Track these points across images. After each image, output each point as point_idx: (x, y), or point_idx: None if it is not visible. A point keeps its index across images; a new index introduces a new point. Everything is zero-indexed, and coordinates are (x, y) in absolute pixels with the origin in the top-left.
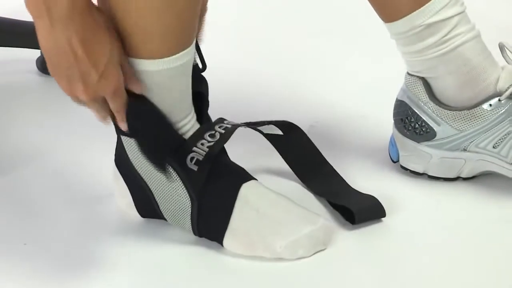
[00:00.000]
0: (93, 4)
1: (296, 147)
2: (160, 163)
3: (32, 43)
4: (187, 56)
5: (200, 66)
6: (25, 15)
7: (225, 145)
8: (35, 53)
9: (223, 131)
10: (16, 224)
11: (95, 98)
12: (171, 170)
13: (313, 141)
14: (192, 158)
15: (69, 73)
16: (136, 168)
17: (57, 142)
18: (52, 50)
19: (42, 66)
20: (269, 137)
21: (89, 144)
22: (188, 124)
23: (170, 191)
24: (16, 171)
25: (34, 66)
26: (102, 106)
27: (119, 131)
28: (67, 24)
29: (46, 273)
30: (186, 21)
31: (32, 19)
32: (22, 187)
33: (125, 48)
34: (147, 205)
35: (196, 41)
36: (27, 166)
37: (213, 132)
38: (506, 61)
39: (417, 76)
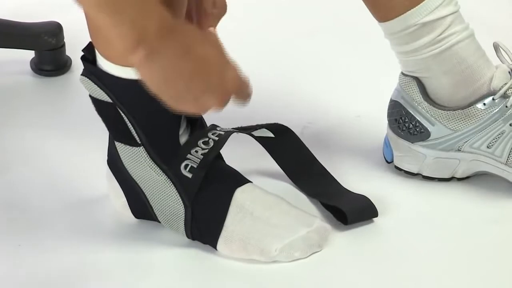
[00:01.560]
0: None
1: (287, 149)
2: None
3: (26, 44)
4: None
5: None
6: (19, 16)
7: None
8: (29, 54)
9: (216, 138)
10: (10, 225)
11: (226, 100)
12: (165, 177)
13: (307, 142)
14: (186, 166)
15: (189, 95)
16: (130, 173)
17: (51, 143)
18: (161, 78)
19: (36, 67)
20: (261, 140)
21: (84, 144)
22: (180, 130)
23: (164, 196)
24: (9, 172)
25: (28, 67)
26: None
27: (116, 138)
28: (164, 45)
29: (40, 274)
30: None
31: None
32: (16, 188)
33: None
34: (141, 207)
35: None
36: (21, 167)
37: (207, 139)
38: (501, 61)
39: (411, 76)
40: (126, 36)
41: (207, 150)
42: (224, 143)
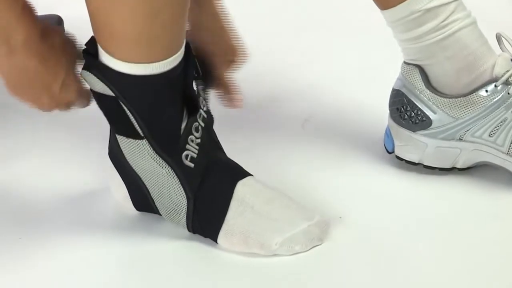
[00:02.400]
0: (48, 29)
1: None
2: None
3: None
4: (172, 63)
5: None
6: None
7: (221, 141)
8: None
9: (203, 124)
10: (11, 218)
11: (59, 106)
12: (168, 169)
13: (308, 136)
14: (187, 156)
15: (31, 90)
16: (132, 166)
17: (51, 135)
18: (12, 72)
19: None
20: None
21: (84, 137)
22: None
23: (166, 188)
24: (10, 166)
25: None
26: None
27: (117, 132)
28: (25, 51)
29: (41, 267)
30: (171, 30)
31: None
32: (16, 182)
33: (111, 51)
34: (142, 200)
35: (190, 49)
36: (22, 160)
37: (197, 124)
38: (503, 51)
39: (414, 64)
40: None
41: (199, 140)
42: (211, 128)
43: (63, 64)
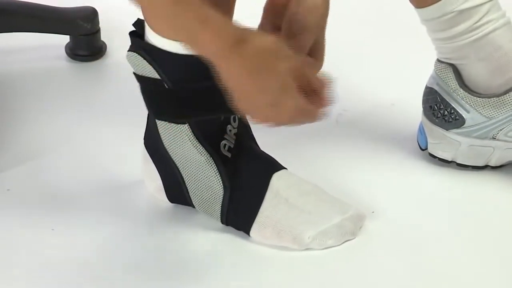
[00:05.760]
0: (249, 35)
1: None
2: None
3: (61, 29)
4: None
5: None
6: (54, 1)
7: (254, 135)
8: (64, 39)
9: (239, 114)
10: (44, 209)
11: (282, 124)
12: (207, 156)
13: (341, 129)
14: (224, 145)
15: (256, 105)
16: (170, 153)
17: (85, 128)
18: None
19: (71, 52)
20: None
21: (118, 129)
22: None
23: (203, 178)
24: (45, 156)
25: (63, 52)
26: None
27: (158, 117)
28: (225, 63)
29: (73, 259)
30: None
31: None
32: (50, 173)
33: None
34: (176, 191)
35: None
36: (55, 152)
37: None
38: None
39: (447, 63)
40: (189, 47)
41: (236, 130)
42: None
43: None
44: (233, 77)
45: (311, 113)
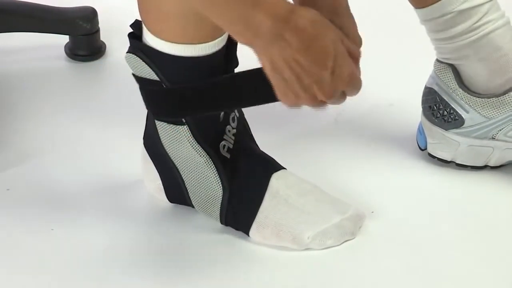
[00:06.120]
0: (297, 8)
1: None
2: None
3: (61, 29)
4: (217, 46)
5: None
6: (54, 1)
7: (253, 135)
8: (64, 39)
9: (238, 114)
10: (44, 209)
11: (334, 95)
12: (206, 158)
13: (340, 129)
14: (223, 146)
15: (300, 85)
16: (169, 154)
17: (84, 127)
18: (273, 71)
19: (71, 52)
20: None
21: (117, 129)
22: None
23: (202, 178)
24: (45, 156)
25: (62, 52)
26: (340, 96)
27: (158, 117)
28: (279, 42)
29: (72, 259)
30: None
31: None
32: (48, 173)
33: (157, 31)
34: (176, 191)
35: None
36: (55, 152)
37: (233, 114)
38: None
39: (447, 63)
40: (241, 34)
41: (235, 130)
42: (245, 119)
43: (330, 48)
44: (289, 55)
45: (359, 81)
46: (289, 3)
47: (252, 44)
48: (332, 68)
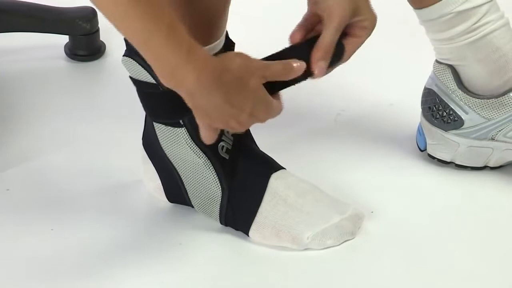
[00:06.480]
0: (226, 56)
1: None
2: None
3: (61, 29)
4: (212, 51)
5: None
6: (53, 1)
7: (253, 135)
8: (63, 39)
9: None
10: (44, 209)
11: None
12: (205, 159)
13: (340, 129)
14: (222, 147)
15: (221, 120)
16: (168, 155)
17: (84, 127)
18: (201, 108)
19: (70, 52)
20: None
21: (117, 129)
22: None
23: (201, 179)
24: (45, 156)
25: (62, 52)
26: None
27: (156, 119)
28: (202, 94)
29: (72, 258)
30: (210, 17)
31: None
32: (50, 172)
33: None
34: (175, 191)
35: (229, 39)
36: (54, 152)
37: None
38: None
39: (446, 64)
40: (167, 79)
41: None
42: None
43: (249, 96)
44: (211, 103)
45: (277, 113)
46: (217, 58)
47: (179, 90)
48: (251, 110)
